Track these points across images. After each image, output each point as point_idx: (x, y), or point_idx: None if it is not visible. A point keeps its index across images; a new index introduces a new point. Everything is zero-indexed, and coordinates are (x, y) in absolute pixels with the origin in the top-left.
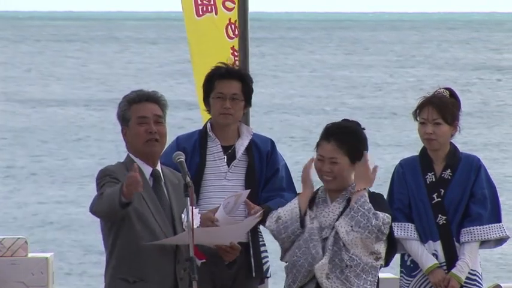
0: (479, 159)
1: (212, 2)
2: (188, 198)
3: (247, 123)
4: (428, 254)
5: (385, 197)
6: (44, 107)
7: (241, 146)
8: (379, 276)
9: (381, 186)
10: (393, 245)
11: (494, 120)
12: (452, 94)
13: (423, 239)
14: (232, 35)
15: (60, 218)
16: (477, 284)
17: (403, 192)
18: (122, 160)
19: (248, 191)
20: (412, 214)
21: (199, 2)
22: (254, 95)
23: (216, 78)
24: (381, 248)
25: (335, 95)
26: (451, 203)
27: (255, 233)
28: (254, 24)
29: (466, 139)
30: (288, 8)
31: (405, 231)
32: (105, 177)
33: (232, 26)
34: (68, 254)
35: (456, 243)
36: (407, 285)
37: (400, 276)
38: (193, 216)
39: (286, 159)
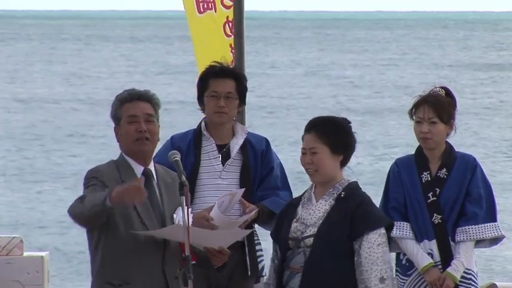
0: (475, 158)
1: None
2: (183, 197)
3: (242, 122)
4: (423, 253)
5: (381, 196)
6: (40, 104)
7: (235, 144)
8: None
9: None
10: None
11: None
12: (448, 93)
13: (418, 238)
14: (230, 33)
15: (56, 217)
16: (472, 283)
17: (398, 191)
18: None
19: (243, 190)
20: (407, 213)
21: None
22: (248, 93)
23: (210, 76)
24: None
25: (329, 94)
26: (447, 202)
27: (250, 232)
28: (249, 23)
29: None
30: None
31: (401, 230)
32: (91, 178)
33: (230, 24)
34: (63, 253)
35: (451, 243)
36: (403, 284)
37: (396, 275)
38: (188, 216)
39: (279, 158)
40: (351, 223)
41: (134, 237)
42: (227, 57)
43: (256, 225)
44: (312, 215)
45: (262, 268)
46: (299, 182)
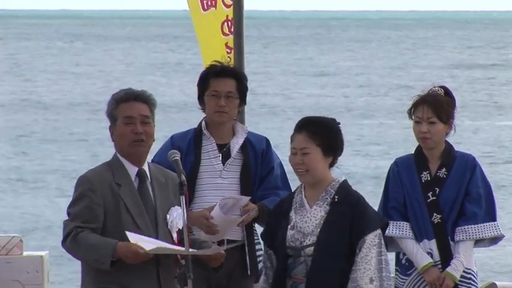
0: (474, 158)
1: None
2: (183, 197)
3: (242, 121)
4: (423, 253)
5: (381, 196)
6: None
7: (236, 144)
8: None
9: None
10: None
11: None
12: (447, 92)
13: (418, 237)
14: (227, 32)
15: (55, 217)
16: (472, 282)
17: (398, 191)
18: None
19: (248, 198)
20: (407, 213)
21: None
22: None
23: (210, 76)
24: None
25: (329, 94)
26: (446, 202)
27: (250, 231)
28: (248, 22)
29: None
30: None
31: (400, 229)
32: (83, 192)
33: (229, 23)
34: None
35: (451, 242)
36: (402, 283)
37: (395, 274)
38: (178, 217)
39: (279, 158)
40: (349, 228)
41: (126, 240)
42: (224, 56)
43: (256, 226)
44: (308, 222)
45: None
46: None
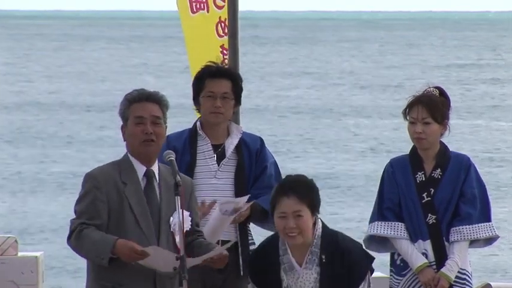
0: (469, 158)
1: (204, 0)
2: (178, 197)
3: (237, 121)
4: (418, 253)
5: (376, 196)
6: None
7: (230, 144)
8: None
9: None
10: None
11: None
12: (442, 93)
13: (413, 238)
14: (222, 33)
15: (51, 217)
16: (467, 283)
17: (393, 191)
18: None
19: (250, 203)
20: (402, 213)
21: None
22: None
23: (206, 77)
24: None
25: (323, 95)
26: (441, 202)
27: (243, 231)
28: (242, 23)
29: None
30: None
31: (395, 230)
32: (88, 189)
33: (222, 25)
34: (57, 253)
35: (446, 243)
36: (397, 284)
37: (390, 275)
38: (184, 220)
39: (274, 157)
40: (341, 282)
41: (127, 239)
42: (218, 58)
43: (251, 225)
44: (303, 287)
45: None
46: None
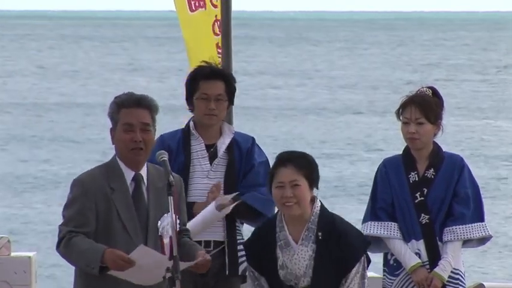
0: (462, 158)
1: None
2: (171, 198)
3: (230, 121)
4: (411, 253)
5: (369, 196)
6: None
7: (222, 144)
8: None
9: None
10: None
11: None
12: (435, 93)
13: (406, 238)
14: (218, 32)
15: (44, 218)
16: (460, 283)
17: (386, 191)
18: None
19: (231, 196)
20: (395, 213)
21: None
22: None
23: (200, 78)
24: None
25: (314, 94)
26: (434, 202)
27: (231, 230)
28: (236, 22)
29: None
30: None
31: (388, 230)
32: (76, 196)
33: (218, 23)
34: (51, 254)
35: (439, 243)
36: (391, 284)
37: (383, 275)
38: (172, 223)
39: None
40: (336, 263)
41: (113, 246)
42: (214, 57)
43: (241, 226)
44: (298, 264)
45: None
46: None
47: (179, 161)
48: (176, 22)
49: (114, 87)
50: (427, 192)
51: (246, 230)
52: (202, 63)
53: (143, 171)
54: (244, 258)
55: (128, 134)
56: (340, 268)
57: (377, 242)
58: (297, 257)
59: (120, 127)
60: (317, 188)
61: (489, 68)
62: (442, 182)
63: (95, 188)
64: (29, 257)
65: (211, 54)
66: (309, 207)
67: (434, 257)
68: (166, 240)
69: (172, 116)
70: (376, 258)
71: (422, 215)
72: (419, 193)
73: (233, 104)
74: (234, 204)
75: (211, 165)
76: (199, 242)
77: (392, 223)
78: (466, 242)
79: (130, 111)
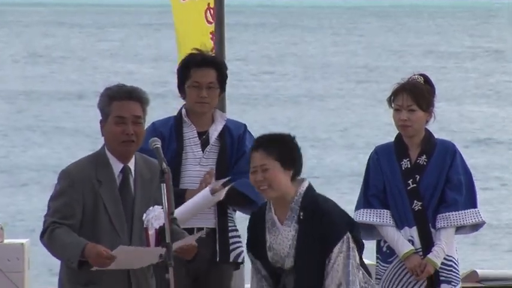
0: (454, 144)
1: None
2: (164, 185)
3: (223, 109)
4: (404, 240)
5: (361, 184)
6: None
7: (214, 131)
8: None
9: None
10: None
11: None
12: (427, 80)
13: (399, 225)
14: (211, 20)
15: (37, 205)
16: (453, 269)
17: (378, 178)
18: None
19: (222, 181)
20: (387, 200)
21: None
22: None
23: (191, 66)
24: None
25: (310, 82)
26: (427, 189)
27: (222, 217)
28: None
29: None
30: None
31: (381, 217)
32: (63, 187)
33: (211, 11)
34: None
35: (432, 229)
36: (384, 271)
37: (377, 262)
38: (157, 217)
39: None
40: (320, 243)
41: (98, 238)
42: (208, 45)
43: (235, 213)
44: (282, 244)
45: (239, 254)
46: None
47: (171, 148)
48: (170, 9)
49: (106, 74)
50: (420, 179)
51: (241, 217)
52: (194, 51)
53: (131, 163)
54: (236, 245)
55: (120, 127)
56: (324, 248)
57: (370, 229)
58: (281, 237)
59: (111, 120)
60: (295, 168)
61: (481, 55)
62: (434, 169)
63: (83, 179)
64: (22, 244)
65: (202, 42)
66: (290, 188)
67: (427, 243)
68: (151, 232)
69: (162, 102)
70: (369, 246)
71: (415, 201)
72: (411, 180)
73: (224, 91)
74: (226, 189)
75: (203, 152)
76: (192, 229)
77: (385, 210)
78: (459, 229)
79: (122, 103)
